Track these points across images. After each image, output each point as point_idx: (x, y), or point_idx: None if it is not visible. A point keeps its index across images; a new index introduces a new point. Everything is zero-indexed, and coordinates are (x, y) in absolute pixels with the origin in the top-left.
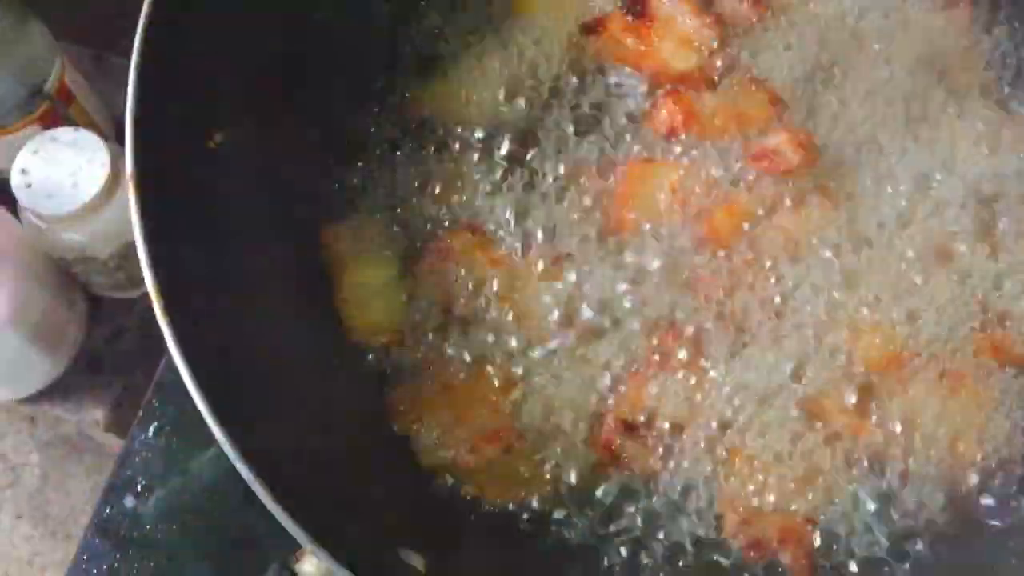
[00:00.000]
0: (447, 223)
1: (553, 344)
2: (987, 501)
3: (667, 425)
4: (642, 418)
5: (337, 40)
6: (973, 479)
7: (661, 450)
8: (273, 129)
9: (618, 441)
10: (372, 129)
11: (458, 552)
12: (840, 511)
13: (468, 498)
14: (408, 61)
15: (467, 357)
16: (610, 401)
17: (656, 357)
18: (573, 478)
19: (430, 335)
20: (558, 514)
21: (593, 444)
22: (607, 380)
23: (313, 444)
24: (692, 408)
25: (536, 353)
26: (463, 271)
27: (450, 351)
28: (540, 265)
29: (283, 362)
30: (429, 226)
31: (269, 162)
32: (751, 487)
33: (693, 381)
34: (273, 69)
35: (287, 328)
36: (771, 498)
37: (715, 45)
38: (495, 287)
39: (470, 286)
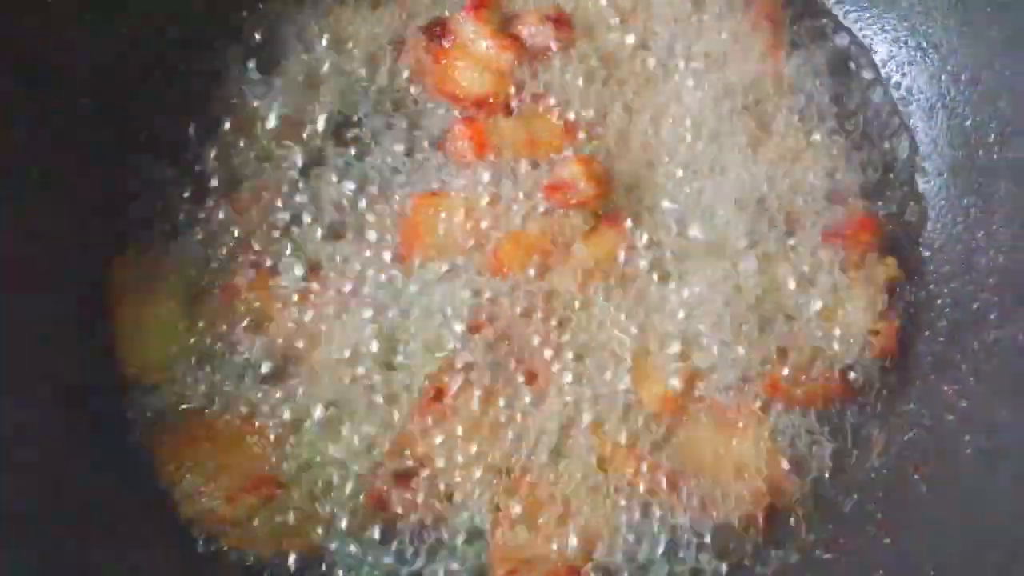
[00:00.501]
0: (232, 260)
1: (330, 387)
2: (760, 541)
3: (441, 473)
4: (415, 465)
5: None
6: (749, 517)
7: (434, 500)
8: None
9: (388, 491)
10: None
11: None
12: (613, 555)
13: (227, 549)
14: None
15: (239, 399)
16: (385, 447)
17: (436, 399)
18: (340, 528)
19: (203, 375)
20: (321, 568)
21: (363, 494)
22: (381, 425)
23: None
24: (468, 454)
25: (310, 397)
26: (245, 310)
27: (223, 392)
28: (328, 303)
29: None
30: (214, 264)
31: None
32: (522, 535)
33: (471, 424)
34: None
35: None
36: (541, 546)
37: (511, 68)
38: (278, 327)
39: (252, 325)
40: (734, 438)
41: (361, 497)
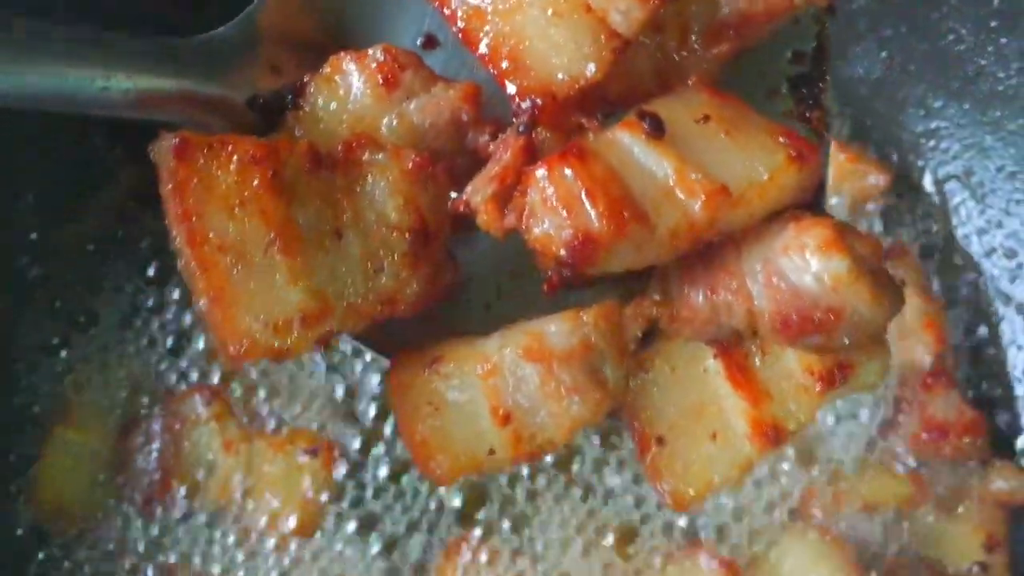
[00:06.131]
0: (179, 382)
1: (288, 554)
2: None
3: None
4: None
5: None
6: None
7: None
8: None
9: None
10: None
11: None
12: None
13: None
14: None
15: (175, 563)
16: None
17: None
18: None
19: (128, 525)
20: None
21: None
22: None
23: None
24: None
25: (262, 570)
26: (187, 448)
27: (148, 552)
28: (295, 453)
29: None
30: (160, 384)
31: None
32: None
33: None
34: None
35: None
36: None
37: None
38: (223, 474)
39: (193, 469)
40: None
41: None
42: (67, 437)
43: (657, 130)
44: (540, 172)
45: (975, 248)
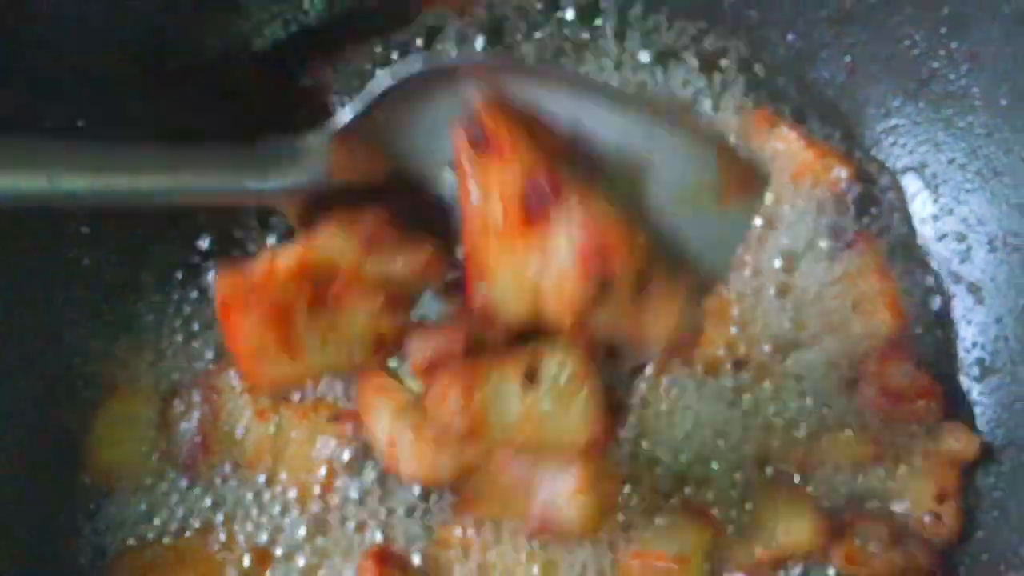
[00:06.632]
0: (215, 360)
1: (315, 509)
2: None
3: None
4: None
5: None
6: None
7: None
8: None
9: None
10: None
11: None
12: None
13: None
14: None
15: (215, 519)
16: None
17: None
18: None
19: (173, 486)
20: None
21: None
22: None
23: None
24: None
25: (292, 524)
26: (224, 416)
27: (191, 510)
28: (319, 420)
29: None
30: (197, 363)
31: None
32: None
33: None
34: None
35: None
36: None
37: None
38: (256, 439)
39: (228, 436)
40: None
41: None
42: (117, 407)
43: (530, 379)
44: (445, 385)
45: (929, 233)
